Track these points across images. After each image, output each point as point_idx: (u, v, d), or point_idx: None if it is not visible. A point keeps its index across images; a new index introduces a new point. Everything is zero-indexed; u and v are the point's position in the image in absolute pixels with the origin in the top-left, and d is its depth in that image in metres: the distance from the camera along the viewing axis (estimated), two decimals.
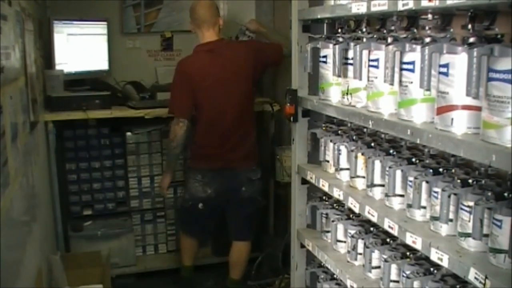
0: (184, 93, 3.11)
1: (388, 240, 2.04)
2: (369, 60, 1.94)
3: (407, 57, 1.74)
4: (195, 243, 3.42)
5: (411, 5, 1.63)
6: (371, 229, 2.18)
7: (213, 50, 3.13)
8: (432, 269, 1.76)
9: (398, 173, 1.88)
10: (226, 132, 3.16)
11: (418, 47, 1.66)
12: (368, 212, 1.99)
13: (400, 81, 1.76)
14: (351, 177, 2.19)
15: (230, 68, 3.13)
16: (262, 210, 3.47)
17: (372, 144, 2.10)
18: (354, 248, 2.20)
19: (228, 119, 3.14)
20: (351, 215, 2.32)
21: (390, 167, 1.89)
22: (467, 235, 1.55)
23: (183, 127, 3.09)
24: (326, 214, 2.44)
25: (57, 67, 3.54)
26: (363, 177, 2.11)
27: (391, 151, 1.99)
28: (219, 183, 3.19)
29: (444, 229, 1.67)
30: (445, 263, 1.57)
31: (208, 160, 3.19)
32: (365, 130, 2.21)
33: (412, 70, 1.72)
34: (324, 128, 2.44)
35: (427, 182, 1.73)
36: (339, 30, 2.25)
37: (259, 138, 4.24)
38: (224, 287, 3.47)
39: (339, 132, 2.35)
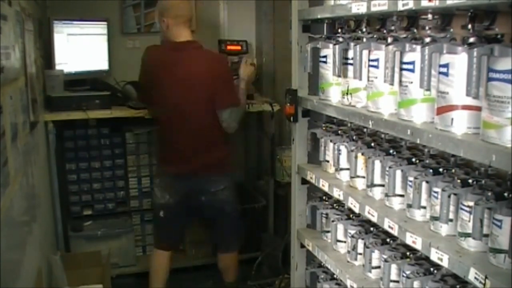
0: (144, 80, 3.06)
1: (388, 240, 2.04)
2: (369, 60, 1.94)
3: (407, 57, 1.74)
4: (164, 261, 3.14)
5: (411, 5, 1.63)
6: (371, 229, 2.18)
7: (183, 49, 2.89)
8: (432, 269, 1.76)
9: (398, 173, 1.88)
10: (181, 138, 2.96)
11: (418, 47, 1.66)
12: (368, 212, 1.99)
13: (400, 81, 1.76)
14: (351, 177, 2.19)
15: (191, 75, 2.86)
16: (240, 219, 3.25)
17: (372, 144, 2.10)
18: (354, 248, 2.20)
19: (185, 126, 2.93)
20: (351, 215, 2.32)
21: (390, 167, 1.89)
22: (467, 235, 1.55)
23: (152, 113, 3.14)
24: (326, 214, 2.44)
25: (57, 67, 3.54)
26: (363, 177, 2.11)
27: (391, 151, 1.99)
28: (175, 190, 3.02)
29: (444, 229, 1.67)
30: (445, 263, 1.57)
31: (164, 164, 3.08)
32: (365, 130, 2.21)
33: (412, 70, 1.72)
34: (324, 128, 2.44)
35: (427, 182, 1.73)
36: (339, 30, 2.25)
37: (259, 138, 4.27)
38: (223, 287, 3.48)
39: (339, 132, 2.35)
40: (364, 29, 2.09)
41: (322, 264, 2.44)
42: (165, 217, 3.07)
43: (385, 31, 1.95)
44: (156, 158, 3.19)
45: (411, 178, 1.79)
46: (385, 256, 1.96)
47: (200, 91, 2.87)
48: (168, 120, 2.98)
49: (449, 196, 1.61)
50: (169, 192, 3.03)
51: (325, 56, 2.27)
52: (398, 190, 1.90)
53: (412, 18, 1.83)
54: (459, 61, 1.52)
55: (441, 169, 1.73)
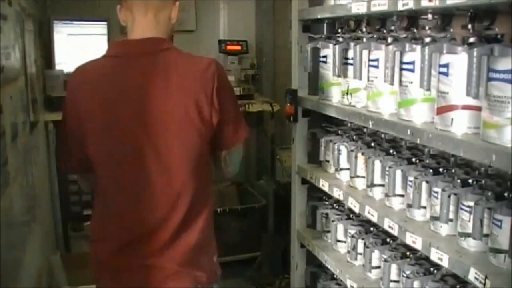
0: (70, 132, 1.71)
1: (388, 240, 2.04)
2: (369, 60, 1.94)
3: (407, 57, 1.74)
4: None
5: (411, 5, 1.63)
6: (371, 229, 2.18)
7: (140, 52, 1.64)
8: (432, 269, 1.76)
9: (398, 173, 1.88)
10: (137, 219, 1.66)
11: (418, 47, 1.66)
12: (368, 212, 1.99)
13: (400, 81, 1.76)
14: (351, 177, 2.19)
15: (157, 99, 1.59)
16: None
17: (372, 144, 2.10)
18: (354, 248, 2.20)
19: (143, 197, 1.64)
20: (351, 215, 2.32)
21: (390, 167, 1.89)
22: (467, 235, 1.55)
23: (82, 183, 1.95)
24: (326, 214, 2.44)
25: (57, 67, 3.54)
26: (363, 177, 2.11)
27: (391, 151, 1.99)
28: None
29: (444, 229, 1.67)
30: (445, 263, 1.57)
31: (108, 268, 1.75)
32: (365, 130, 2.22)
33: (412, 70, 1.72)
34: (324, 128, 2.44)
35: (427, 182, 1.73)
36: (339, 30, 2.25)
37: (259, 138, 4.26)
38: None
39: (339, 132, 2.35)
40: (364, 29, 2.09)
41: (322, 264, 2.44)
42: None
43: (385, 31, 1.95)
44: (92, 250, 1.84)
45: (411, 178, 1.79)
46: (385, 256, 1.96)
47: (176, 129, 1.61)
48: (114, 190, 1.69)
49: (449, 196, 1.61)
50: None
51: (325, 56, 2.27)
52: (398, 190, 1.90)
53: (412, 18, 1.83)
54: (459, 61, 1.52)
55: (441, 169, 1.74)
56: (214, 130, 1.65)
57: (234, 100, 1.79)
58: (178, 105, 1.59)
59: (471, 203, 1.53)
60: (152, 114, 1.59)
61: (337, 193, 2.23)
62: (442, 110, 1.58)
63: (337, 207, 2.42)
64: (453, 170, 1.72)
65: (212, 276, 1.78)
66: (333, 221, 2.35)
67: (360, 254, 2.17)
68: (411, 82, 1.72)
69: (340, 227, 2.32)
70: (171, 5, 1.73)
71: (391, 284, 1.92)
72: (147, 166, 1.61)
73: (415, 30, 1.80)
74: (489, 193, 1.49)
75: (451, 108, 1.55)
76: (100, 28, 3.79)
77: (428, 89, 1.63)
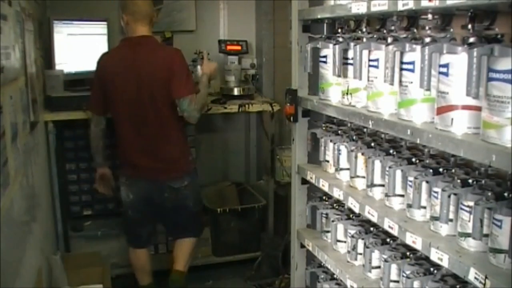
0: (96, 86, 3.03)
1: (388, 240, 2.04)
2: (369, 60, 1.94)
3: (407, 57, 1.74)
4: (142, 256, 3.24)
5: (411, 5, 1.63)
6: (371, 229, 2.18)
7: (133, 45, 2.94)
8: (432, 269, 1.76)
9: (398, 173, 1.88)
10: (140, 141, 3.00)
11: (418, 47, 1.66)
12: (368, 212, 1.99)
13: (400, 81, 1.76)
14: (351, 177, 2.19)
15: (148, 68, 2.90)
16: (198, 212, 3.31)
17: (372, 144, 2.10)
18: (354, 248, 2.20)
19: (141, 128, 2.97)
20: (351, 215, 2.32)
21: (390, 167, 1.89)
22: (467, 235, 1.55)
23: (93, 121, 3.08)
24: (326, 214, 2.44)
25: (57, 67, 3.54)
26: (363, 177, 2.11)
27: (391, 151, 1.99)
28: (138, 188, 3.07)
29: (444, 229, 1.67)
30: (445, 263, 1.57)
31: (128, 166, 3.08)
32: (365, 130, 2.22)
33: (412, 70, 1.72)
34: (324, 128, 2.44)
35: (427, 182, 1.73)
36: (339, 30, 2.25)
37: (259, 138, 4.27)
38: (223, 286, 3.47)
39: (339, 132, 2.35)
40: (364, 29, 2.09)
41: (322, 264, 2.45)
42: (132, 216, 3.13)
43: (385, 31, 1.95)
44: (120, 159, 3.15)
45: (411, 178, 1.79)
46: (385, 256, 1.96)
47: (157, 84, 2.89)
48: (126, 119, 2.98)
49: (449, 196, 1.61)
50: (132, 191, 3.08)
51: (325, 56, 2.27)
52: (398, 190, 1.90)
53: (412, 18, 1.83)
54: (459, 61, 1.52)
55: (441, 169, 1.73)
56: (173, 85, 2.90)
57: (186, 72, 2.99)
58: (158, 70, 2.90)
59: (471, 203, 1.53)
60: (146, 74, 2.89)
61: (337, 193, 2.23)
62: (442, 110, 1.58)
63: (337, 207, 2.42)
64: (453, 170, 1.72)
65: (187, 169, 3.14)
66: (333, 221, 2.35)
67: (360, 254, 2.17)
68: (411, 82, 1.72)
69: (340, 227, 2.32)
70: (153, 14, 3.03)
71: (391, 284, 1.92)
72: (145, 104, 2.92)
73: (415, 30, 1.80)
74: (489, 193, 1.49)
75: (451, 108, 1.55)
76: (100, 28, 3.78)
77: (428, 89, 1.63)
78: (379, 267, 2.05)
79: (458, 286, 1.65)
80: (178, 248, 3.25)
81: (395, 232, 1.82)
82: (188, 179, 3.11)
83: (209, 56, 3.43)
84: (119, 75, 2.92)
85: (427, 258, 1.73)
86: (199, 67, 3.54)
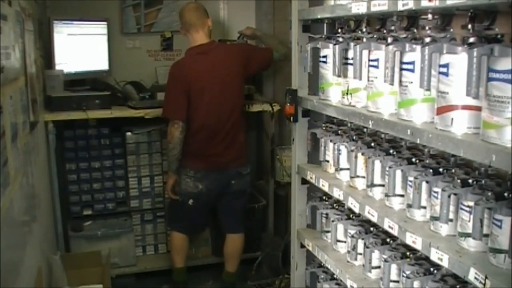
0: (179, 95, 3.16)
1: (388, 240, 2.04)
2: (369, 60, 1.94)
3: (407, 57, 1.74)
4: (186, 242, 3.43)
5: (411, 5, 1.63)
6: (371, 229, 2.18)
7: (204, 52, 3.20)
8: (432, 269, 1.76)
9: (398, 173, 1.88)
10: (219, 132, 3.21)
11: (418, 47, 1.66)
12: (368, 212, 1.99)
13: (400, 81, 1.76)
14: (351, 177, 2.19)
15: (221, 69, 3.20)
16: (249, 201, 3.55)
17: (372, 144, 2.10)
18: (354, 248, 2.20)
19: (221, 120, 3.21)
20: (351, 215, 2.32)
21: (390, 167, 1.89)
22: (467, 235, 1.55)
23: (179, 128, 3.15)
24: (326, 214, 2.44)
25: (57, 67, 3.54)
26: (363, 177, 2.11)
27: (391, 151, 1.99)
28: (210, 179, 3.24)
29: (444, 229, 1.67)
30: (445, 263, 1.57)
31: (201, 160, 3.23)
32: (365, 130, 2.22)
33: (412, 70, 1.72)
34: (324, 128, 2.44)
35: (427, 182, 1.74)
36: (339, 30, 2.25)
37: (259, 138, 4.27)
38: (221, 285, 3.47)
39: (339, 132, 2.35)
40: (364, 29, 2.09)
41: (322, 264, 2.45)
42: (193, 205, 3.28)
43: (385, 31, 1.95)
44: (188, 155, 3.23)
45: (411, 178, 1.79)
46: (385, 256, 1.96)
47: (232, 77, 3.23)
48: (207, 117, 3.18)
49: (449, 196, 1.61)
50: (202, 182, 3.24)
51: (325, 56, 2.27)
52: (398, 190, 1.90)
53: (412, 18, 1.83)
54: (459, 61, 1.52)
55: (441, 169, 1.74)
56: (253, 61, 3.38)
57: (254, 47, 3.73)
58: (228, 73, 3.22)
59: (471, 203, 1.53)
60: (219, 78, 3.19)
61: (337, 193, 2.23)
62: (442, 110, 1.58)
63: (337, 207, 2.42)
64: (453, 170, 1.72)
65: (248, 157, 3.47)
66: (333, 221, 2.35)
67: (360, 254, 2.17)
68: (411, 82, 1.72)
69: (340, 227, 2.32)
70: (207, 20, 3.26)
71: (391, 284, 1.92)
72: (226, 99, 3.22)
73: (415, 30, 1.80)
74: (489, 193, 1.49)
75: (451, 108, 1.55)
76: (100, 28, 3.79)
77: (428, 89, 1.63)
78: (379, 267, 2.05)
79: (458, 286, 1.65)
80: (230, 247, 3.43)
81: (395, 232, 1.82)
82: (249, 166, 3.40)
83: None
84: (203, 81, 3.15)
85: (427, 258, 1.73)
86: (244, 38, 3.78)
